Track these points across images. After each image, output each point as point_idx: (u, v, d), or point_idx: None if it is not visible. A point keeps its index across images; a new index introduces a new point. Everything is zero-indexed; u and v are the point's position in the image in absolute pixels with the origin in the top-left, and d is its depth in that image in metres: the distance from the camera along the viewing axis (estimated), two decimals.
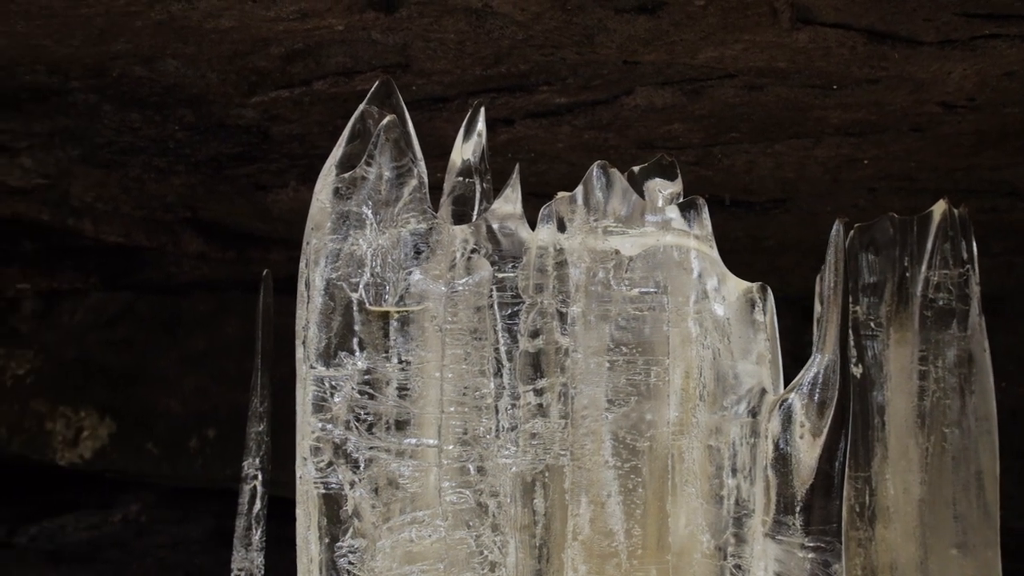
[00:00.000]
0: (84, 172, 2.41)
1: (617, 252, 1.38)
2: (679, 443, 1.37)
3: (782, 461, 1.35)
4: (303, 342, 1.36)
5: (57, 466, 3.31)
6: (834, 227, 1.37)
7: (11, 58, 1.88)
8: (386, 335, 1.34)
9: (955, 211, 1.65)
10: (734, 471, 1.37)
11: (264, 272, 1.67)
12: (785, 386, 1.39)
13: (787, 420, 1.36)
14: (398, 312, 1.34)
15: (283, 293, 1.64)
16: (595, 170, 1.39)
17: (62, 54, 1.85)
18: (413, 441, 1.34)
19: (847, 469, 1.35)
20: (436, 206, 1.40)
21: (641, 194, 1.42)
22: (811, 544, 1.34)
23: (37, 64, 1.90)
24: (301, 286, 1.37)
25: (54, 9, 1.68)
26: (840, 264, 1.36)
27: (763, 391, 1.39)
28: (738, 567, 1.37)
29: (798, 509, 1.34)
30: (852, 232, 1.66)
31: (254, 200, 2.46)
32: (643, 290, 1.38)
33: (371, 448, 1.33)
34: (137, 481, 3.60)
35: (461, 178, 1.44)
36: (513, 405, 1.37)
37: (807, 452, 1.34)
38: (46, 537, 3.88)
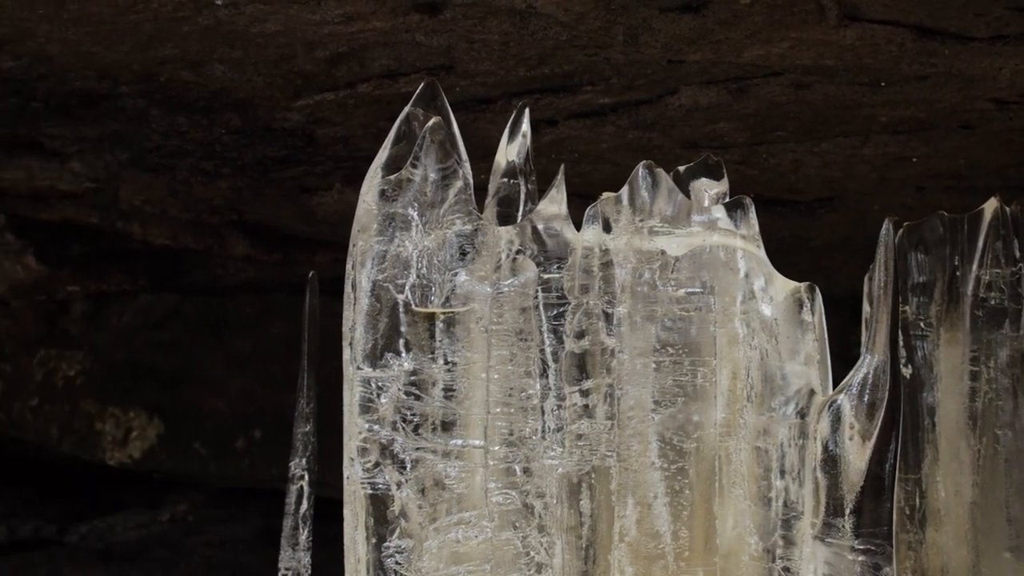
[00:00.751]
0: (132, 176, 2.43)
1: (663, 252, 1.38)
2: (726, 444, 1.36)
3: (831, 463, 1.34)
4: (350, 343, 1.36)
5: (107, 466, 3.36)
6: (884, 226, 1.36)
7: (62, 65, 1.91)
8: (432, 336, 1.35)
9: (1007, 209, 1.63)
10: (782, 473, 1.36)
11: (310, 274, 1.68)
12: (834, 388, 1.38)
13: (836, 421, 1.35)
14: (444, 313, 1.35)
15: (328, 295, 1.65)
16: (641, 170, 1.39)
17: (111, 60, 1.88)
18: (459, 442, 1.34)
19: (897, 471, 1.34)
20: (481, 207, 1.40)
21: (687, 194, 1.41)
22: (861, 547, 1.32)
23: (87, 70, 1.93)
24: (348, 288, 1.37)
25: (104, 16, 1.71)
26: (890, 264, 1.35)
27: (812, 392, 1.38)
28: (786, 569, 1.36)
29: (848, 511, 1.33)
30: (901, 231, 1.64)
31: (299, 202, 2.48)
32: (689, 290, 1.37)
33: (417, 449, 1.34)
34: (185, 481, 3.64)
35: (506, 179, 1.44)
36: (559, 406, 1.37)
37: (857, 454, 1.33)
38: (96, 536, 3.94)
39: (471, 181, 1.37)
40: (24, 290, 3.07)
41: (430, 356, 1.34)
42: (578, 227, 1.40)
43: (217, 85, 1.95)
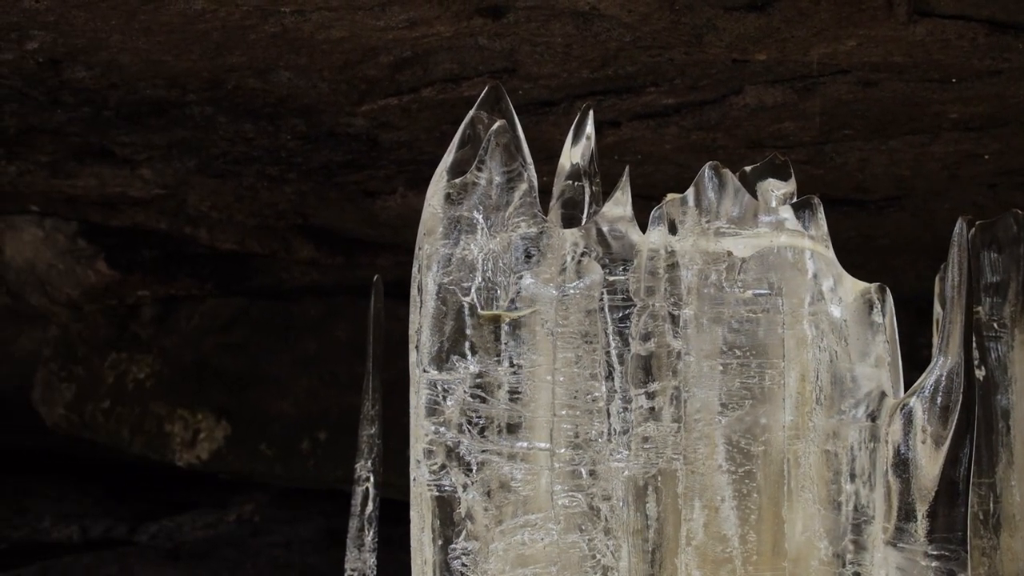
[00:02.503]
0: (200, 182, 2.47)
1: (730, 254, 1.37)
2: (795, 447, 1.34)
3: (903, 466, 1.32)
4: (416, 346, 1.37)
5: (176, 467, 3.42)
6: (957, 225, 1.34)
7: (133, 74, 1.95)
8: (497, 339, 1.35)
9: None
10: (852, 476, 1.34)
11: (375, 278, 1.69)
12: (905, 391, 1.36)
13: (908, 425, 1.33)
14: (509, 316, 1.35)
15: (391, 297, 1.66)
16: (707, 171, 1.38)
17: (180, 68, 1.91)
18: (525, 444, 1.34)
19: (971, 476, 1.32)
20: (546, 210, 1.40)
21: (753, 195, 1.40)
22: (935, 552, 1.30)
23: (157, 79, 1.96)
24: (414, 291, 1.38)
25: (173, 25, 1.74)
26: (964, 263, 1.32)
27: (882, 394, 1.36)
28: (857, 575, 1.34)
29: (921, 516, 1.30)
30: (973, 230, 1.60)
31: (363, 206, 2.50)
32: (757, 292, 1.36)
33: (483, 451, 1.34)
34: (251, 482, 3.70)
35: (570, 181, 1.44)
36: (625, 409, 1.37)
37: (930, 458, 1.31)
38: (165, 535, 4.02)
39: (536, 184, 1.37)
40: (95, 295, 3.14)
41: (495, 359, 1.34)
42: (643, 229, 1.39)
43: (283, 92, 1.98)
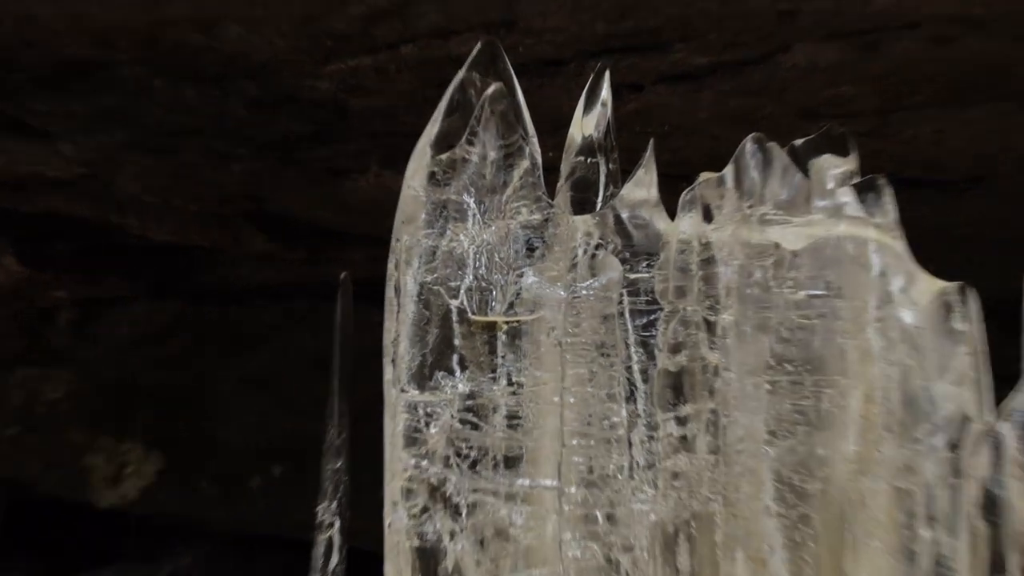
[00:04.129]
0: (131, 160, 2.47)
1: (777, 246, 1.37)
2: (859, 485, 1.34)
3: (992, 508, 1.32)
4: (392, 360, 1.38)
5: (96, 509, 3.40)
6: None
7: (52, 30, 1.94)
8: (493, 351, 1.35)
9: None
10: (931, 520, 1.34)
11: (342, 275, 1.70)
12: (993, 413, 1.36)
13: (997, 456, 1.33)
14: (507, 323, 1.35)
15: (364, 300, 1.66)
16: (749, 145, 1.39)
17: (108, 22, 1.90)
18: (526, 482, 1.35)
19: None
20: (552, 192, 1.41)
21: (806, 174, 1.41)
22: None
23: (80, 35, 1.96)
24: (390, 292, 1.39)
25: None
26: None
27: (965, 419, 1.36)
28: None
29: (1014, 570, 1.31)
30: None
31: (329, 189, 2.50)
32: (811, 293, 1.36)
33: (475, 490, 1.34)
34: (190, 527, 3.68)
35: (582, 158, 1.45)
36: (650, 437, 1.37)
37: None
38: None
39: (539, 161, 1.38)
40: (1, 297, 3.13)
41: (490, 375, 1.35)
42: (672, 215, 1.40)
43: (232, 49, 1.97)
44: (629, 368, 1.37)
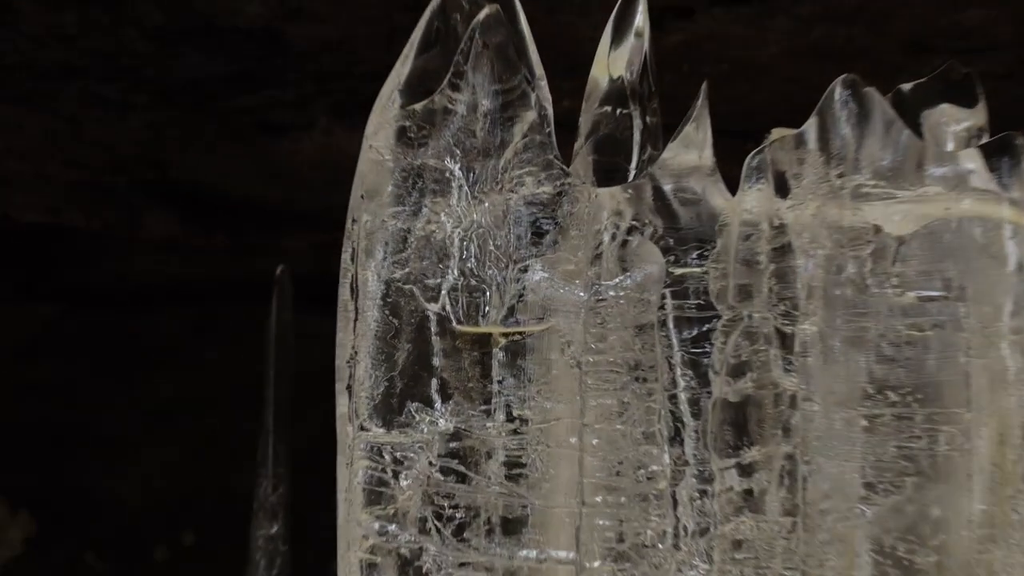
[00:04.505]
0: None
1: (878, 230, 1.36)
2: (990, 557, 1.34)
3: None
4: (348, 387, 1.38)
5: None
6: None
7: None
8: (486, 374, 1.35)
9: None
10: None
11: (278, 270, 1.69)
12: None
13: None
14: (506, 335, 1.35)
15: (308, 304, 1.65)
16: (839, 90, 1.38)
17: None
18: (533, 554, 1.35)
19: None
20: (568, 156, 1.40)
21: (917, 131, 1.41)
22: None
23: None
24: (344, 293, 1.39)
25: None
26: None
27: None
28: None
29: None
30: None
31: (260, 151, 2.50)
32: (923, 294, 1.36)
33: (462, 565, 1.35)
34: None
35: (609, 108, 1.44)
36: (702, 493, 1.37)
37: None
38: None
39: (550, 112, 1.37)
40: None
41: (483, 408, 1.35)
42: (732, 187, 1.39)
43: None
44: (674, 397, 1.37)
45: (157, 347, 3.39)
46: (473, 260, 1.35)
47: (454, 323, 1.35)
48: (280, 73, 2.27)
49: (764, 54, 2.09)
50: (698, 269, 1.37)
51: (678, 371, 1.37)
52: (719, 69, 2.09)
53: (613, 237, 1.37)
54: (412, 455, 1.34)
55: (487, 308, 1.35)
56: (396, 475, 1.35)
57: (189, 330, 3.38)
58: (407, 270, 1.36)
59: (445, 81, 1.36)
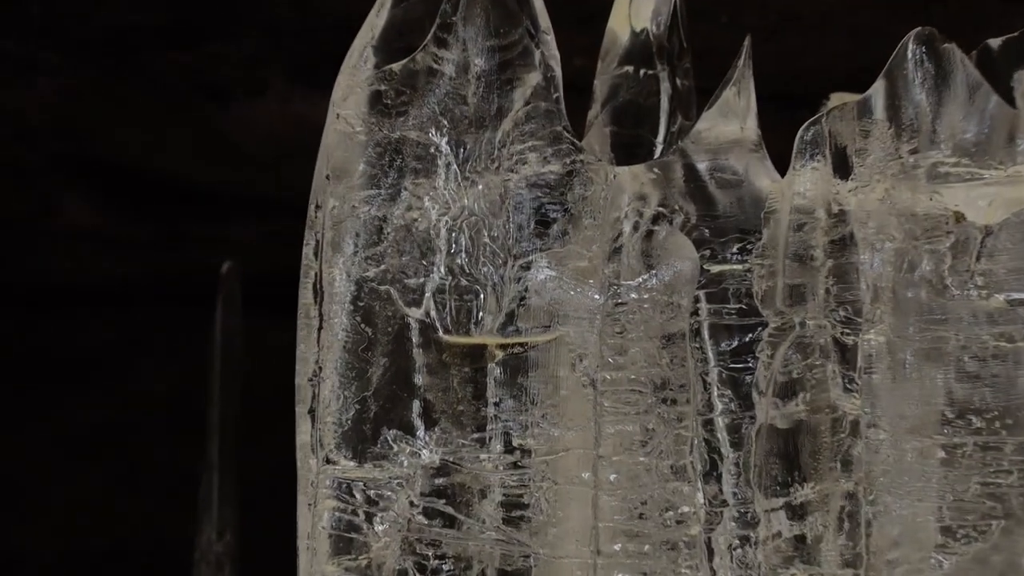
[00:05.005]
0: None
1: (959, 218, 1.37)
2: None
3: None
4: (311, 410, 1.39)
5: None
6: None
7: None
8: (479, 395, 1.36)
9: None
10: None
11: (223, 267, 1.69)
12: None
13: None
14: (504, 347, 1.35)
15: (260, 308, 1.65)
16: (912, 47, 1.38)
17: None
18: None
19: None
20: (580, 128, 1.42)
21: (1008, 97, 1.41)
22: None
23: None
24: (306, 296, 1.40)
25: None
26: None
27: None
28: None
29: None
30: None
31: (199, 120, 2.48)
32: (1014, 296, 1.37)
33: None
34: None
35: (630, 68, 1.46)
36: (743, 540, 1.38)
37: None
38: None
39: (559, 74, 1.38)
40: None
41: (476, 436, 1.36)
42: (781, 166, 1.40)
43: None
44: (709, 424, 1.38)
45: (74, 360, 3.38)
46: (464, 255, 1.36)
47: (440, 332, 1.35)
48: (224, 24, 2.27)
49: (821, 1, 2.09)
50: (739, 266, 1.38)
51: (714, 391, 1.38)
52: (765, 20, 2.08)
53: (635, 227, 1.38)
54: (389, 493, 1.34)
55: (481, 314, 1.35)
56: (370, 518, 1.35)
57: (114, 340, 3.38)
58: (383, 267, 1.36)
59: (430, 35, 1.36)
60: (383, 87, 1.37)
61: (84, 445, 3.37)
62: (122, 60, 2.38)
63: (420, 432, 1.35)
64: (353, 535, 1.35)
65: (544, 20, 1.38)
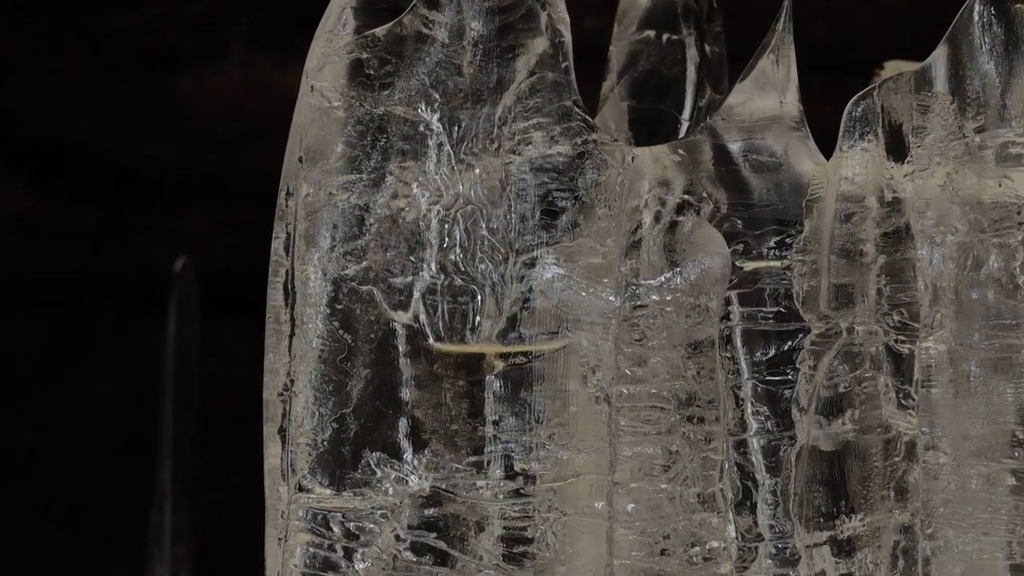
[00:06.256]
0: None
1: None
2: None
3: None
4: (281, 429, 1.39)
5: None
6: None
7: None
8: (476, 412, 1.36)
9: None
10: None
11: (177, 263, 1.69)
12: None
13: None
14: (505, 357, 1.36)
15: (221, 310, 1.66)
16: (978, 7, 1.39)
17: None
18: None
19: None
20: (593, 104, 1.43)
21: None
22: None
23: None
24: (275, 297, 1.41)
25: None
26: None
27: None
28: None
29: None
30: None
31: (148, 91, 2.48)
32: None
33: None
34: None
35: (651, 32, 1.46)
36: None
37: None
38: None
39: (568, 39, 1.38)
40: None
41: (472, 459, 1.36)
42: (826, 146, 1.41)
43: None
44: (742, 445, 1.39)
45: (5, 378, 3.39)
46: (458, 250, 1.36)
47: (431, 339, 1.36)
48: None
49: None
50: (777, 263, 1.39)
51: (748, 408, 1.39)
52: None
53: (657, 217, 1.38)
54: (372, 526, 1.35)
55: (478, 318, 1.36)
56: (349, 554, 1.35)
57: (48, 348, 3.38)
58: (365, 264, 1.36)
59: None
60: (365, 55, 1.37)
61: (13, 468, 3.37)
62: (57, 23, 2.38)
63: (408, 455, 1.35)
64: (330, 574, 1.35)
65: None
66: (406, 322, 1.36)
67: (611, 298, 1.37)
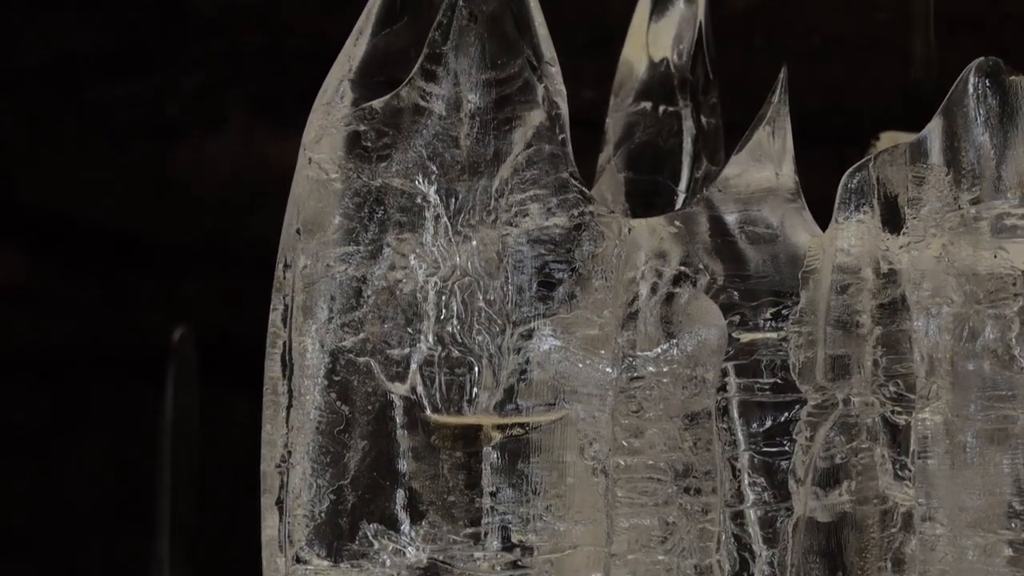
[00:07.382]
0: None
1: None
2: None
3: None
4: (278, 501, 1.39)
5: None
6: None
7: None
8: (473, 484, 1.36)
9: None
10: None
11: (175, 334, 1.69)
12: None
13: None
14: (501, 428, 1.36)
15: (219, 381, 1.66)
16: (973, 80, 1.40)
17: None
18: None
19: None
20: (590, 174, 1.44)
21: None
22: None
23: None
24: (273, 368, 1.40)
25: None
26: None
27: None
28: None
29: None
30: None
31: (146, 160, 2.47)
32: None
33: None
34: None
35: (648, 104, 1.46)
36: None
37: None
38: None
39: (565, 111, 1.38)
40: None
41: (468, 531, 1.36)
42: (822, 218, 1.41)
43: None
44: (739, 517, 1.39)
45: None
46: (456, 322, 1.36)
47: (428, 411, 1.35)
48: (176, 49, 2.27)
49: (871, 23, 2.08)
50: (773, 335, 1.39)
51: (745, 479, 1.39)
52: (806, 43, 2.06)
53: (654, 289, 1.39)
54: None
55: (475, 390, 1.36)
56: None
57: (44, 417, 3.37)
58: (362, 336, 1.36)
59: (416, 68, 1.37)
60: (362, 127, 1.38)
61: (5, 540, 3.35)
62: (57, 92, 2.37)
63: (405, 527, 1.35)
64: None
65: (548, 49, 1.38)
66: (403, 393, 1.36)
67: (608, 369, 1.37)
